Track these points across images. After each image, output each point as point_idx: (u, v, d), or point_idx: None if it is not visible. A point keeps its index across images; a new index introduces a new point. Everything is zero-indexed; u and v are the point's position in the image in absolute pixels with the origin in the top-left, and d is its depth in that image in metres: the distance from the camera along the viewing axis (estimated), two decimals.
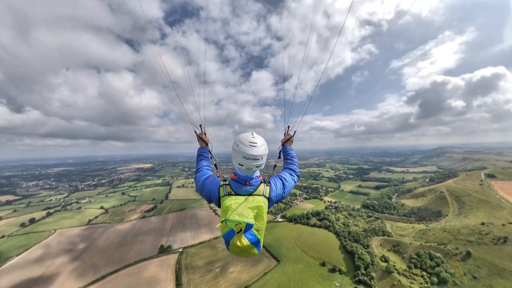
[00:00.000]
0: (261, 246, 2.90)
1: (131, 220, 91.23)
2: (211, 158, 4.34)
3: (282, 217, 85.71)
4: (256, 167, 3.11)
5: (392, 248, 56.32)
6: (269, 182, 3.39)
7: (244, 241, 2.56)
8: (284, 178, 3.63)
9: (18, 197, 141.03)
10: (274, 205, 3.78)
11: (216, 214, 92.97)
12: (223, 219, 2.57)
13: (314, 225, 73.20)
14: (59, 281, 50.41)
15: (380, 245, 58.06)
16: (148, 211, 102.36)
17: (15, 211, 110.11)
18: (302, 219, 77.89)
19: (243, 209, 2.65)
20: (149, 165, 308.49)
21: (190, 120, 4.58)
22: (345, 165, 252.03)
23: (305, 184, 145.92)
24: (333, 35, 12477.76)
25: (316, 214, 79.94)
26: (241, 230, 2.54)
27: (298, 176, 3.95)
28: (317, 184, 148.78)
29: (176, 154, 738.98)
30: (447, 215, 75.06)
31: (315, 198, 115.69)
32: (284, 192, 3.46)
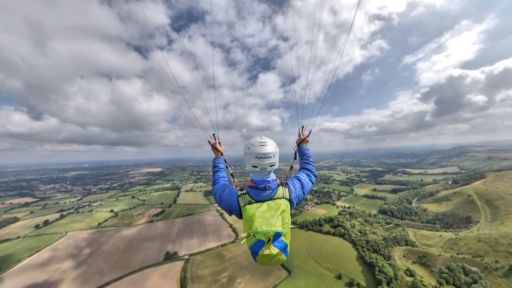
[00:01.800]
0: (288, 251, 2.72)
1: (139, 224, 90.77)
2: (227, 168, 4.23)
3: (293, 223, 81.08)
4: (270, 166, 3.04)
5: (418, 260, 50.20)
6: (287, 184, 3.26)
7: (273, 249, 2.44)
8: (302, 178, 3.52)
9: (36, 199, 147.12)
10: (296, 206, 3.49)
11: (223, 218, 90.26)
12: (250, 232, 2.43)
13: (327, 233, 68.07)
14: None
15: (404, 256, 52.09)
16: (156, 215, 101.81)
17: (31, 212, 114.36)
18: (314, 226, 72.89)
19: (271, 217, 2.53)
20: (159, 169, 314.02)
21: (203, 130, 4.47)
22: (357, 168, 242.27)
23: (316, 187, 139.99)
24: (340, 32, 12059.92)
25: (329, 220, 74.64)
26: (269, 239, 2.43)
27: (315, 176, 3.82)
28: (328, 188, 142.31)
29: (185, 158, 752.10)
30: (478, 222, 67.11)
31: (327, 203, 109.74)
32: (303, 193, 3.35)
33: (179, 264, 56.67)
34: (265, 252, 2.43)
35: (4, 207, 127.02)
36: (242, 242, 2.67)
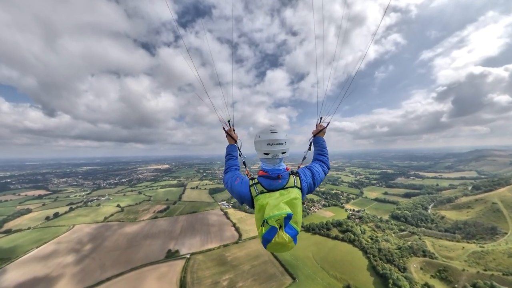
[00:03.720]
0: (297, 239, 2.80)
1: (143, 220, 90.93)
2: (240, 156, 4.28)
3: None
4: (282, 153, 3.12)
5: (438, 274, 45.32)
6: (298, 173, 3.29)
7: (286, 236, 2.53)
8: (314, 168, 3.50)
9: (49, 192, 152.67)
10: (306, 196, 3.49)
11: (227, 218, 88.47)
12: (262, 220, 2.56)
13: (335, 238, 64.10)
14: (60, 285, 48.94)
15: (421, 268, 47.36)
16: (161, 211, 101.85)
17: (44, 205, 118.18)
18: (322, 230, 69.00)
19: (279, 203, 2.64)
20: (167, 166, 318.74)
21: (218, 116, 4.55)
22: (366, 169, 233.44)
23: (323, 189, 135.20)
24: (353, 26, 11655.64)
25: (338, 224, 70.54)
26: (281, 226, 2.53)
27: (328, 168, 3.77)
28: (336, 189, 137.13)
29: (192, 156, 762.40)
30: (506, 233, 60.64)
31: (335, 205, 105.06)
32: (314, 183, 3.35)
33: (180, 264, 55.23)
34: (278, 240, 2.48)
35: (19, 198, 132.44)
36: (259, 233, 2.72)
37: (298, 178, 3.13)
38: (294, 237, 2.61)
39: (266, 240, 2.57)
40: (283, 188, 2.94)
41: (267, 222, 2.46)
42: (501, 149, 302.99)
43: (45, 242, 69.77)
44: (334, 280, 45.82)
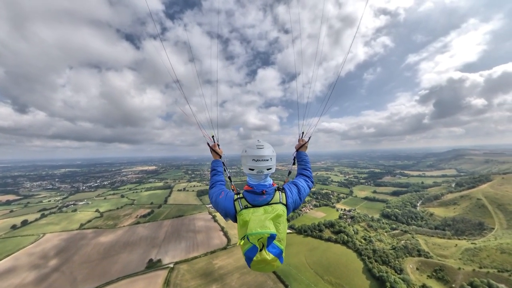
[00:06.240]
0: (283, 257, 2.67)
1: (124, 226, 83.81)
2: (225, 171, 4.18)
3: (290, 227, 74.69)
4: (267, 169, 3.04)
5: (434, 274, 44.09)
6: (284, 189, 3.22)
7: (268, 255, 2.40)
8: (299, 183, 3.50)
9: (19, 197, 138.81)
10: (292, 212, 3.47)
11: (215, 221, 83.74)
12: (243, 235, 2.46)
13: (328, 239, 61.81)
14: None
15: (417, 269, 46.03)
16: (144, 216, 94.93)
17: (11, 211, 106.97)
18: (314, 231, 66.55)
19: (265, 220, 2.51)
20: (154, 167, 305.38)
21: (202, 132, 4.44)
22: (354, 169, 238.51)
23: (314, 189, 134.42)
24: (345, 26, 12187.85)
25: (330, 225, 68.44)
26: (263, 245, 2.42)
27: (312, 182, 3.80)
28: (327, 189, 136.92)
29: (181, 157, 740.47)
30: (493, 229, 61.80)
31: (326, 205, 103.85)
32: (300, 198, 3.31)
33: (162, 274, 50.02)
34: (260, 258, 2.36)
35: None
36: (237, 244, 2.64)
37: (284, 194, 3.03)
38: (278, 255, 2.44)
39: (248, 258, 2.42)
40: (267, 204, 2.83)
41: (248, 239, 2.28)
42: (476, 149, 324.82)
43: (8, 255, 61.27)
44: (329, 286, 43.03)
